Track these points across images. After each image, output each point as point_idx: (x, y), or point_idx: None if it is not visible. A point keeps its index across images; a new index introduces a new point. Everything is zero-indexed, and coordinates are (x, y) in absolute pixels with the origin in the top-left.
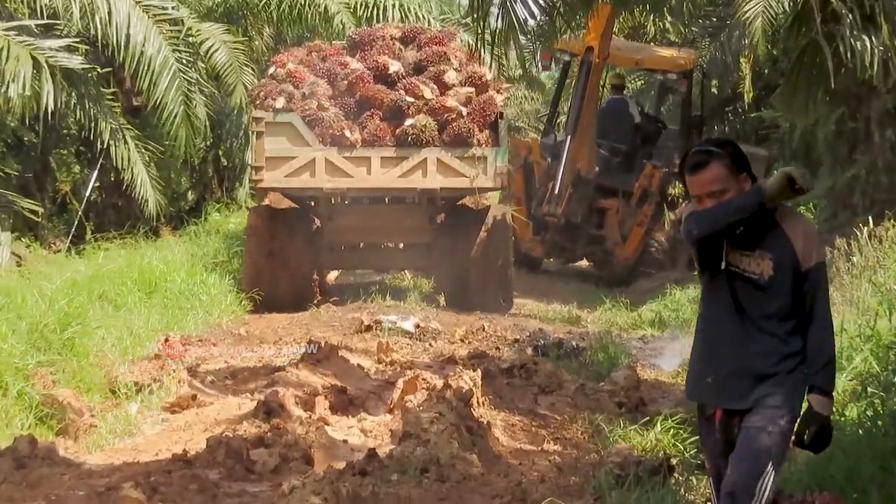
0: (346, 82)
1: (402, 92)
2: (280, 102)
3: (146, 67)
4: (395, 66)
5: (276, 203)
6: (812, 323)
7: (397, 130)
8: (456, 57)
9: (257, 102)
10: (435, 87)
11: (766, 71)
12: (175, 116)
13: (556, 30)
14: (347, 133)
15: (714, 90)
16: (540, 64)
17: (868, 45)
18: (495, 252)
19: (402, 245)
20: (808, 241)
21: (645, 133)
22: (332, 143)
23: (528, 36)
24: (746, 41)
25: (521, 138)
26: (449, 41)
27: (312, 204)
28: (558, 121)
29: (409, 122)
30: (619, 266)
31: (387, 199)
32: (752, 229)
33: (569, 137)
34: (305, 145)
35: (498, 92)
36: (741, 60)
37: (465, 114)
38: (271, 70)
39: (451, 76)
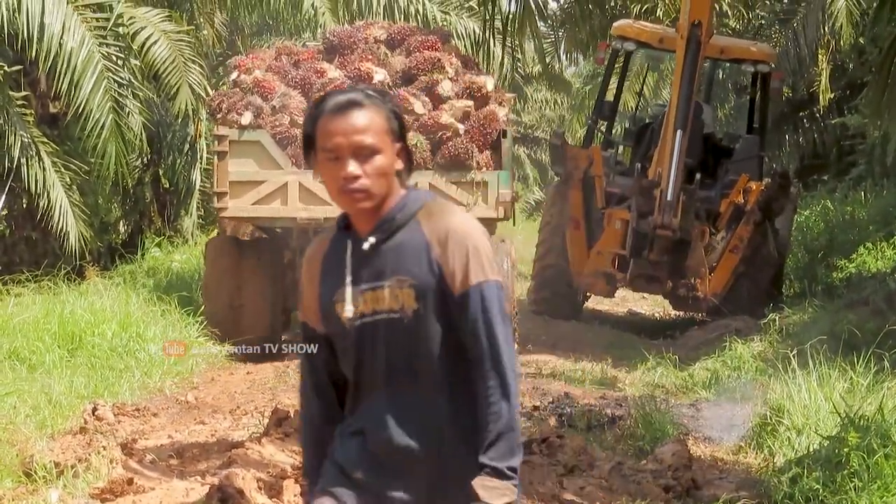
0: (322, 94)
1: None
2: (247, 118)
3: (66, 65)
4: (379, 75)
5: (238, 233)
6: (477, 374)
7: None
8: (451, 64)
9: (219, 116)
10: (427, 99)
11: (849, 66)
12: (102, 127)
13: (584, 14)
14: None
15: (786, 90)
16: (596, 57)
17: None
18: None
19: None
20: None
21: (718, 142)
22: (308, 166)
23: (549, 23)
24: (826, 28)
25: (579, 147)
26: (443, 44)
27: (282, 234)
28: (615, 128)
29: None
30: (703, 304)
31: None
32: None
33: (679, 133)
34: (276, 168)
35: (500, 105)
36: (819, 52)
37: (462, 131)
38: (234, 76)
39: (445, 87)
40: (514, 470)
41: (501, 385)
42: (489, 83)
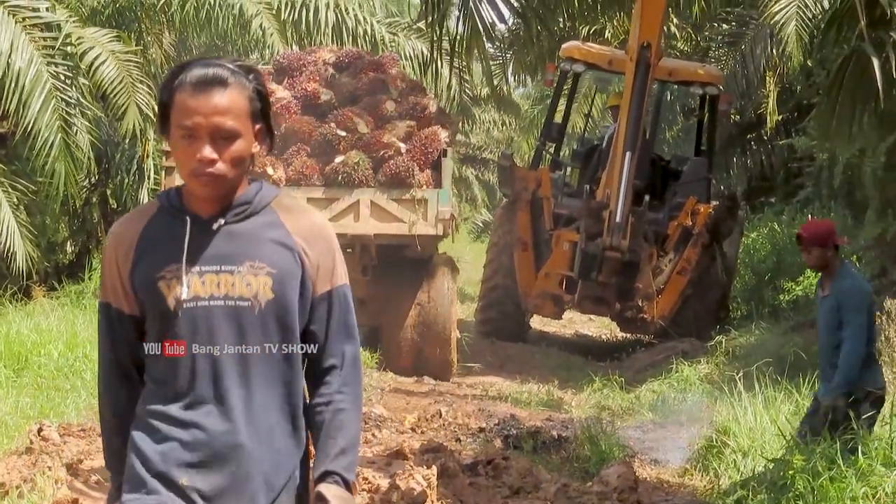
0: None
1: (334, 125)
2: None
3: (13, 84)
4: (326, 95)
5: None
6: (328, 377)
7: (326, 168)
8: (396, 86)
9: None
10: (370, 119)
11: (797, 88)
12: (51, 146)
13: (532, 36)
14: (270, 170)
15: (734, 113)
16: (545, 78)
17: None
18: (436, 308)
19: None
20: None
21: (666, 164)
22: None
23: (497, 44)
24: (775, 50)
25: (527, 169)
26: (390, 67)
27: None
28: (563, 149)
29: (339, 158)
30: (651, 326)
31: None
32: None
33: (628, 155)
34: None
35: (444, 127)
36: (767, 75)
37: (403, 150)
38: None
39: (389, 107)
40: (355, 487)
41: (354, 394)
42: (432, 105)
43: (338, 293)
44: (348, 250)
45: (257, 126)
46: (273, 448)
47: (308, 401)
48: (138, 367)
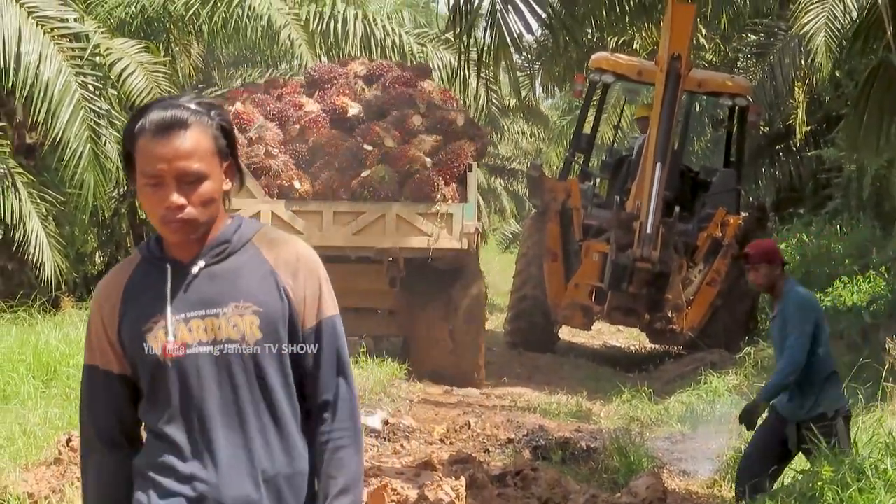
0: (298, 126)
1: (361, 138)
2: None
3: (42, 95)
4: (354, 109)
5: None
6: (325, 414)
7: (353, 182)
8: (423, 100)
9: None
10: (397, 133)
11: (826, 99)
12: (80, 157)
13: (560, 47)
14: (297, 184)
15: (762, 124)
16: (574, 89)
17: None
18: (465, 318)
19: (360, 310)
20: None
21: (695, 175)
22: (280, 195)
23: (525, 55)
24: (803, 61)
25: (556, 180)
26: (420, 80)
27: None
28: (592, 160)
29: (365, 172)
30: (680, 337)
31: (350, 258)
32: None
33: (659, 166)
34: (250, 197)
35: (472, 140)
36: (796, 85)
37: (429, 165)
38: (224, 106)
39: (416, 121)
40: None
41: (354, 430)
42: (460, 118)
43: (327, 325)
44: (376, 263)
45: (225, 163)
46: (275, 493)
47: (306, 439)
48: (128, 432)
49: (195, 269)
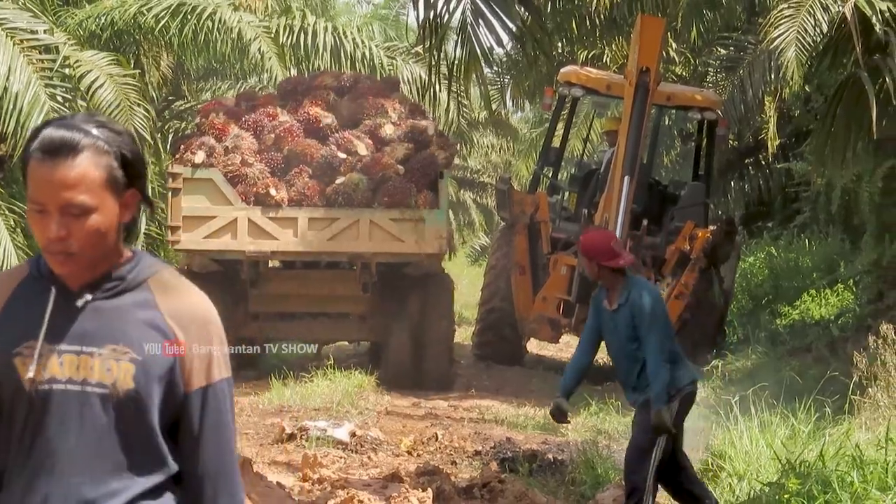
0: (273, 136)
1: (335, 147)
2: (200, 156)
3: (11, 106)
4: (327, 119)
5: (195, 265)
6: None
7: (328, 189)
8: (395, 109)
9: (176, 156)
10: (370, 142)
11: (795, 113)
12: None
13: (530, 61)
14: (273, 191)
15: (731, 138)
16: (543, 102)
17: None
18: (436, 322)
19: (334, 315)
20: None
21: (663, 188)
22: (256, 202)
23: (495, 69)
24: (773, 76)
25: (525, 193)
26: (390, 91)
27: (233, 266)
28: (561, 174)
29: (340, 179)
30: None
31: (322, 264)
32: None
33: (627, 179)
34: (227, 204)
35: (441, 149)
36: (766, 100)
37: (402, 172)
38: (198, 119)
39: (388, 130)
40: None
41: None
42: (430, 128)
43: (215, 391)
44: (350, 268)
45: (126, 193)
46: None
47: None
48: None
49: (80, 302)
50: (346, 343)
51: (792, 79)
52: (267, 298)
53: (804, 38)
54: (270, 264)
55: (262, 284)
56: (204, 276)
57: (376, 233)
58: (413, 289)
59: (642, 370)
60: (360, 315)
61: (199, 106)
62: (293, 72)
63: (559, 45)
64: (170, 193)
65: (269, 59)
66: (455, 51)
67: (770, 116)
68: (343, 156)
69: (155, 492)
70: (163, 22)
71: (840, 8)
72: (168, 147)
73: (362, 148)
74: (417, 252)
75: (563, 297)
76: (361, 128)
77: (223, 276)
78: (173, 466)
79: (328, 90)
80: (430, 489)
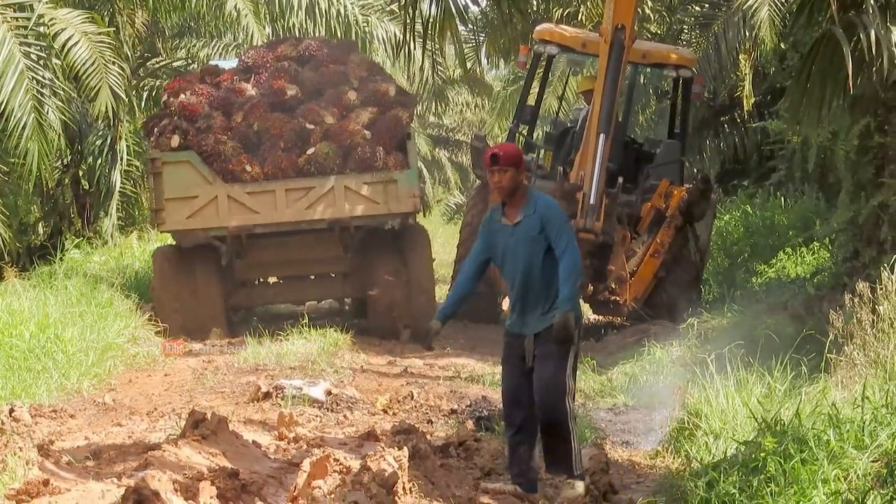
0: (241, 112)
1: (302, 119)
2: (175, 140)
3: None
4: (291, 91)
5: (185, 242)
6: None
7: (300, 160)
8: (356, 75)
9: (152, 139)
10: (335, 110)
11: (770, 71)
12: (23, 126)
13: (505, 19)
14: (248, 167)
15: (707, 96)
16: (518, 61)
17: None
18: (416, 275)
19: (318, 276)
20: None
21: (639, 146)
22: (233, 179)
23: (470, 27)
24: (748, 33)
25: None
26: (348, 55)
27: (220, 242)
28: (537, 132)
29: (310, 150)
30: (623, 309)
31: (300, 231)
32: None
33: (602, 137)
34: (206, 183)
35: (404, 107)
36: (740, 58)
37: (369, 136)
38: (164, 98)
39: (351, 97)
40: None
41: None
42: (391, 89)
43: None
44: (329, 232)
45: None
46: None
47: None
48: None
49: None
50: (333, 300)
51: (765, 38)
52: (253, 267)
53: None
54: (253, 235)
55: (248, 254)
56: (192, 250)
57: (351, 197)
58: (391, 242)
59: (552, 287)
60: (343, 273)
61: (164, 86)
62: (268, 29)
63: (534, 2)
64: (151, 178)
65: (245, 16)
66: (430, 8)
67: (745, 74)
68: (311, 126)
69: None
70: None
71: None
72: (141, 125)
73: (328, 117)
74: (392, 212)
75: None
76: (325, 97)
77: (211, 250)
78: None
79: (290, 61)
80: (405, 448)
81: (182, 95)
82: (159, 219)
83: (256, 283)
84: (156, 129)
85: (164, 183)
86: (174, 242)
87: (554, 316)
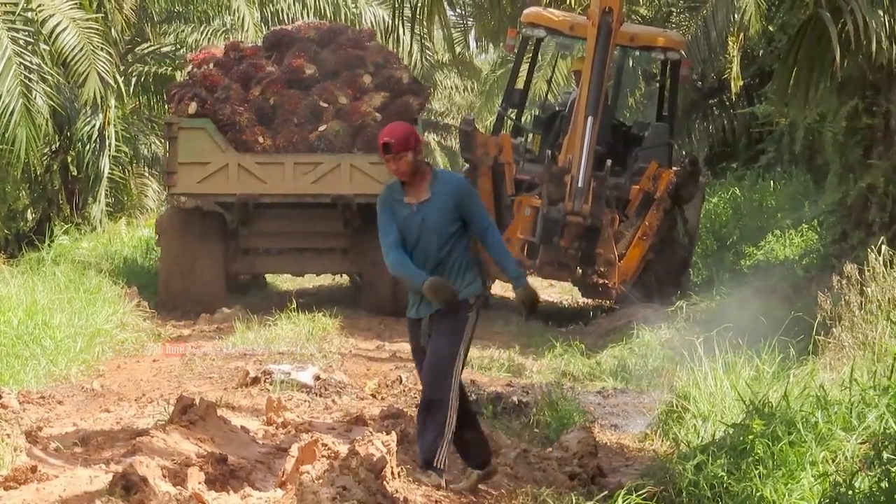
0: (259, 87)
1: (317, 97)
2: (192, 108)
3: None
4: (310, 70)
5: (191, 206)
6: None
7: (311, 136)
8: (372, 61)
9: (171, 106)
10: (349, 91)
11: (759, 53)
12: (11, 112)
13: (493, 3)
14: (260, 138)
15: (695, 78)
16: (506, 44)
17: (885, 20)
18: None
19: (318, 249)
20: None
21: (627, 129)
22: (245, 149)
23: (459, 11)
24: (736, 16)
25: (488, 135)
26: (367, 41)
27: (227, 208)
28: (525, 115)
29: (322, 127)
30: (612, 292)
31: (304, 204)
32: None
33: (590, 120)
34: (219, 151)
35: (415, 95)
36: (729, 40)
37: (379, 119)
38: (188, 69)
39: (366, 80)
40: None
41: None
42: (405, 77)
43: None
44: (331, 208)
45: None
46: None
47: None
48: None
49: None
50: (330, 276)
51: (751, 20)
52: (256, 236)
53: None
54: (260, 204)
55: (252, 223)
56: (200, 215)
57: (356, 175)
58: None
59: (461, 264)
60: (342, 248)
61: (188, 56)
62: (256, 14)
63: None
64: (167, 142)
65: (237, 3)
66: None
67: (733, 57)
68: (325, 105)
69: None
70: None
71: None
72: (163, 95)
73: (342, 97)
74: None
75: (528, 239)
76: (341, 78)
77: (218, 217)
78: None
79: (311, 42)
80: (394, 432)
81: (205, 66)
82: (171, 181)
83: (258, 252)
84: (177, 97)
85: (178, 147)
86: (183, 206)
87: (464, 291)
